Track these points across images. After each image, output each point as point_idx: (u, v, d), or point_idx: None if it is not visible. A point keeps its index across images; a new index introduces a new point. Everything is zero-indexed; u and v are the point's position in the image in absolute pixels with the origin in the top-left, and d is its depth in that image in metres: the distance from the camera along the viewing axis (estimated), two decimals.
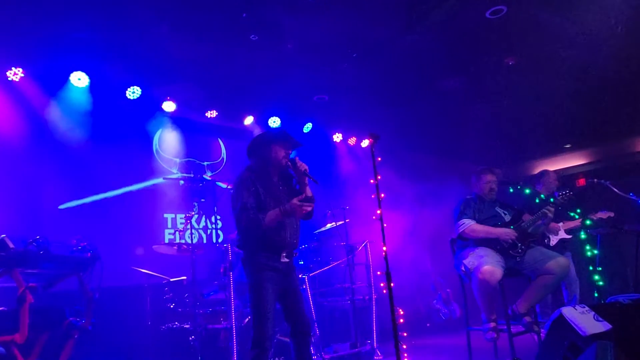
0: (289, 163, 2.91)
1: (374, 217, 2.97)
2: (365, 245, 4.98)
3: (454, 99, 5.69)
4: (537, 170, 8.39)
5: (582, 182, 7.68)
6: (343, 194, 6.06)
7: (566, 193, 4.10)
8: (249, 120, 5.83)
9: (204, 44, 4.27)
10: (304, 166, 2.91)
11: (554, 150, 8.11)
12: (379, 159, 3.07)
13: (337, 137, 6.71)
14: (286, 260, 2.79)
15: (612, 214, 4.72)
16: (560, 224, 4.74)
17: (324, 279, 5.09)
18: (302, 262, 4.85)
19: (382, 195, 2.96)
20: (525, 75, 5.15)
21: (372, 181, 2.95)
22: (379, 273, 2.88)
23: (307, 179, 2.91)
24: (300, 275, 4.38)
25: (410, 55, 4.76)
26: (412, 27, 4.34)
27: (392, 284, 2.86)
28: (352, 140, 6.89)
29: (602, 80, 5.24)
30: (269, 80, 5.03)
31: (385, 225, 2.97)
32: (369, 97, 5.58)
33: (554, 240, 4.71)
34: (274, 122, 5.98)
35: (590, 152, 8.02)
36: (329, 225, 4.95)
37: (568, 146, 7.93)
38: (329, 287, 5.08)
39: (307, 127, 6.27)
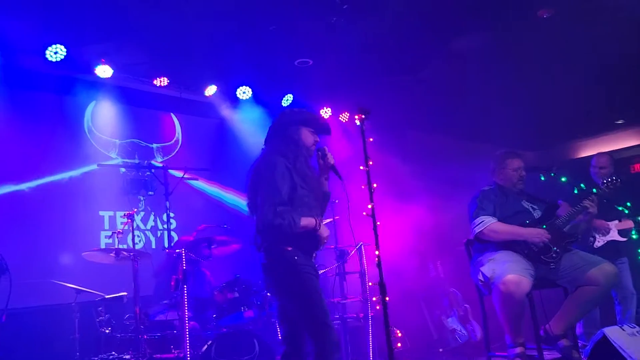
0: (319, 152, 3.12)
1: (364, 213, 2.94)
2: (359, 248, 4.96)
3: (474, 63, 5.62)
4: (577, 154, 8.57)
5: (638, 167, 7.69)
6: (332, 184, 6.00)
7: (612, 181, 4.04)
8: (211, 90, 5.78)
9: None
10: (332, 159, 3.13)
11: (602, 127, 8.12)
12: (371, 139, 3.07)
13: (325, 113, 6.65)
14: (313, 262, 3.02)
15: None
16: (614, 223, 4.68)
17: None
18: None
19: (375, 185, 2.92)
20: (563, 32, 5.11)
21: (362, 168, 2.93)
22: (370, 284, 2.86)
23: (330, 173, 3.15)
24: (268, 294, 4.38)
25: (418, 5, 4.67)
26: None
27: (387, 298, 2.82)
28: (343, 117, 6.86)
29: None
30: (236, 39, 4.93)
31: (378, 223, 2.94)
32: (366, 62, 5.52)
33: (599, 242, 4.68)
34: (244, 93, 5.91)
35: None
36: None
37: (620, 122, 7.93)
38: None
39: (287, 99, 6.22)
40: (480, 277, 3.87)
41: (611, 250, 4.59)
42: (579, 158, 8.51)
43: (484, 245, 4.00)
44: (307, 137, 3.11)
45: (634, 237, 3.57)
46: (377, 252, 2.68)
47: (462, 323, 5.99)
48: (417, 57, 5.56)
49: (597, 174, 4.82)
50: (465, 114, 6.80)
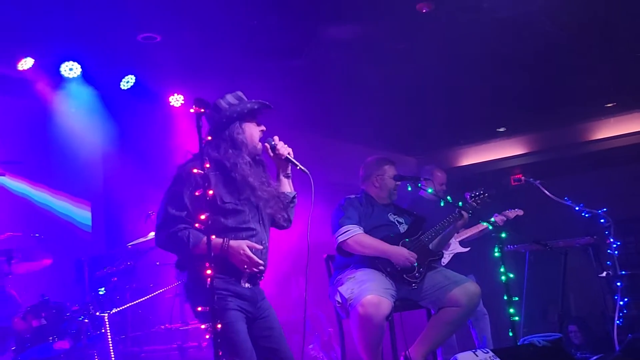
0: (266, 146, 3.07)
1: (196, 225, 2.89)
2: None
3: (346, 54, 5.79)
4: (458, 161, 9.21)
5: (519, 177, 8.41)
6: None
7: (479, 194, 4.40)
8: (26, 63, 5.43)
9: None
10: (286, 149, 3.08)
11: (482, 134, 8.77)
12: (210, 138, 3.06)
13: (176, 100, 6.51)
14: (249, 285, 2.95)
15: (520, 212, 5.22)
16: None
17: (141, 318, 4.95)
18: (102, 291, 4.64)
19: (211, 192, 2.88)
20: (445, 29, 5.39)
21: (195, 171, 2.87)
22: (199, 309, 2.83)
23: (290, 168, 3.13)
24: (97, 313, 4.21)
25: None
26: None
27: (219, 325, 2.79)
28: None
29: (550, 42, 5.67)
30: (60, 1, 4.65)
31: (214, 237, 2.90)
32: (228, 42, 5.45)
33: (446, 258, 5.06)
34: (71, 69, 5.61)
35: (531, 139, 8.83)
36: (151, 234, 4.82)
37: (502, 130, 8.61)
38: (148, 329, 4.94)
39: (127, 81, 6.00)
40: (338, 298, 4.01)
41: (458, 265, 4.99)
42: (459, 166, 9.15)
43: (345, 261, 4.14)
44: (253, 133, 3.05)
45: (496, 254, 3.92)
46: (208, 272, 2.65)
47: (325, 350, 6.17)
48: (287, 42, 5.59)
49: (435, 189, 5.21)
50: (335, 110, 7.04)
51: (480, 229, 5.22)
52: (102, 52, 5.52)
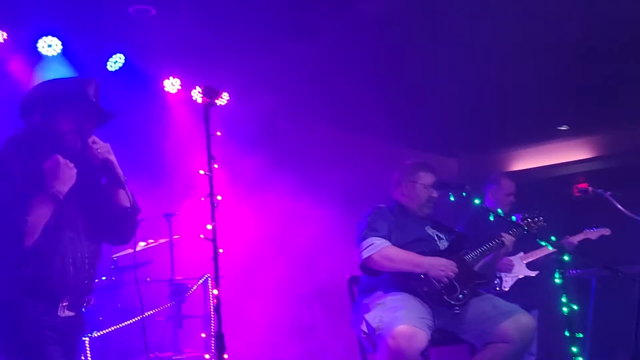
0: (89, 145, 2.94)
1: (202, 236, 2.98)
2: (205, 282, 5.04)
3: (382, 35, 5.83)
4: (509, 166, 9.14)
5: (584, 187, 8.38)
6: (173, 189, 6.05)
7: (535, 219, 4.43)
8: None
9: None
10: (104, 150, 2.96)
11: (539, 133, 8.74)
12: (218, 133, 3.11)
13: (172, 85, 6.62)
14: (70, 313, 2.89)
15: (606, 232, 5.20)
16: (518, 256, 5.13)
17: (126, 343, 5.02)
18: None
19: (219, 197, 2.98)
20: (503, 5, 5.43)
21: (201, 172, 2.98)
22: (203, 335, 2.92)
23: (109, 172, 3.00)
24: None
25: None
26: None
27: (226, 356, 2.89)
28: (197, 94, 6.82)
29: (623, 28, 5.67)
30: None
31: (221, 250, 3.00)
32: (234, 18, 5.53)
33: (507, 283, 5.09)
34: (50, 46, 5.71)
35: (600, 141, 8.83)
36: (141, 245, 4.96)
37: (564, 128, 8.60)
38: (134, 358, 5.01)
39: (116, 61, 6.08)
40: (364, 327, 4.04)
41: (525, 291, 5.01)
42: (511, 172, 9.11)
43: (372, 282, 4.19)
44: (62, 123, 2.99)
45: (558, 281, 3.94)
46: (214, 292, 2.74)
47: None
48: (304, 23, 5.64)
49: (500, 200, 5.23)
50: (365, 102, 7.02)
51: (548, 251, 5.25)
52: (86, 26, 5.58)
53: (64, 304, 2.86)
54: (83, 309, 3.00)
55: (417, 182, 4.39)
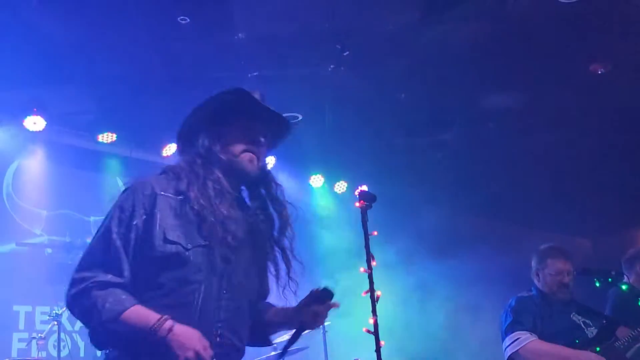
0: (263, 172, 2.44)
1: (364, 330, 2.99)
2: None
3: (507, 126, 6.11)
4: None
5: None
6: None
7: None
8: (170, 149, 5.94)
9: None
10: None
11: None
12: (375, 233, 3.11)
13: (319, 181, 6.98)
14: None
15: None
16: None
17: None
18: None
19: (379, 293, 3.00)
20: (622, 88, 5.56)
21: (362, 270, 3.03)
22: None
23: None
24: None
25: (434, 54, 5.13)
26: (437, 11, 4.74)
27: None
28: (340, 187, 7.13)
29: None
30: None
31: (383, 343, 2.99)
32: (367, 117, 5.89)
33: None
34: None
35: None
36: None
37: None
38: None
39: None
40: None
41: None
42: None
43: None
44: (234, 139, 2.34)
45: None
46: None
47: None
48: (435, 117, 5.97)
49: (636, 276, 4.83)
50: (492, 187, 7.21)
51: None
52: None
53: None
54: None
55: (544, 270, 4.25)
